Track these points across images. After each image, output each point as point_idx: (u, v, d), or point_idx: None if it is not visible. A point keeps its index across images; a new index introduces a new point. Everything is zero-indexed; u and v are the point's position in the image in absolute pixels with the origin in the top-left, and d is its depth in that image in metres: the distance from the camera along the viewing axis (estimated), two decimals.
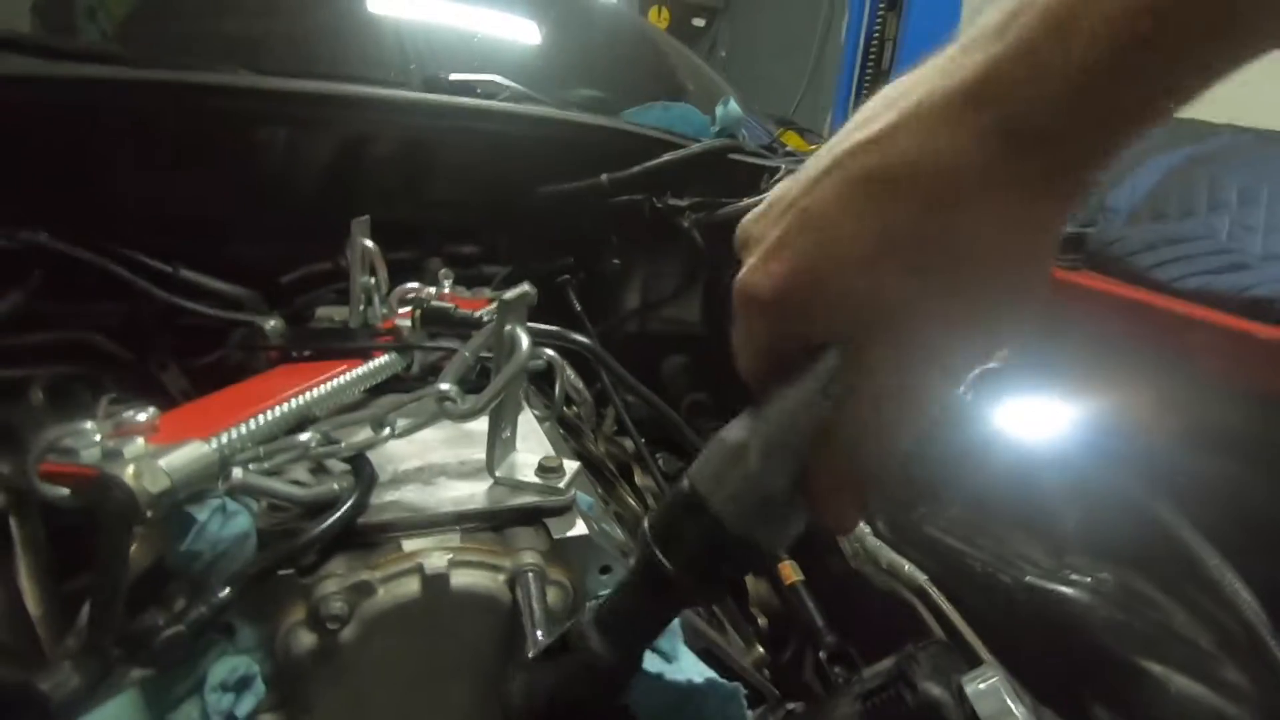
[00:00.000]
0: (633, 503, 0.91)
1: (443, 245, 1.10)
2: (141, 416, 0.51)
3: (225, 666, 0.42)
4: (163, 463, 0.44)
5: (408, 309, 0.87)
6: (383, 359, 0.67)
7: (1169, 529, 0.62)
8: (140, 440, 0.47)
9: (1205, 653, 0.56)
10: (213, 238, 1.01)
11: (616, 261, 1.09)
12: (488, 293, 0.96)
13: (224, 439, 0.49)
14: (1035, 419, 0.82)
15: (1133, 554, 0.66)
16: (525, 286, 0.53)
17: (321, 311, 0.92)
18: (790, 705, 0.66)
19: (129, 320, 0.99)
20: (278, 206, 1.04)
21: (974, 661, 0.61)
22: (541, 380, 0.76)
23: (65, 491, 0.47)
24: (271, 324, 0.73)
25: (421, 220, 1.08)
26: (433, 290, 0.92)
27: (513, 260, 1.11)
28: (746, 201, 1.03)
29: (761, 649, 0.69)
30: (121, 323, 0.98)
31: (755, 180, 1.09)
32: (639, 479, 1.04)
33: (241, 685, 0.43)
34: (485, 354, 0.56)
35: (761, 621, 0.82)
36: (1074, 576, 0.67)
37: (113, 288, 0.96)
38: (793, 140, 1.34)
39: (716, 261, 1.11)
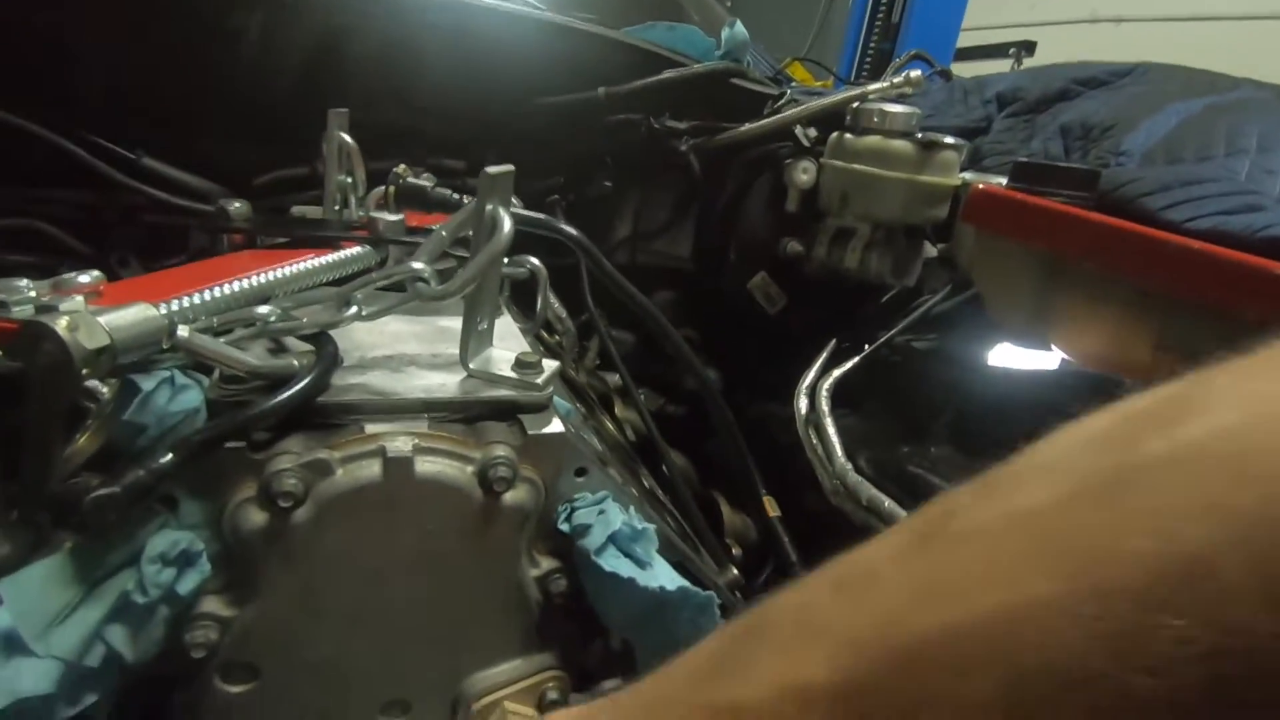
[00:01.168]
0: (612, 429, 0.88)
1: (426, 157, 1.05)
2: (84, 279, 0.47)
3: (165, 539, 0.39)
4: (102, 319, 0.40)
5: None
6: (354, 249, 0.63)
7: None
8: (79, 299, 0.43)
9: None
10: (180, 131, 0.95)
11: (608, 184, 1.04)
12: None
13: (174, 305, 0.45)
14: (1027, 359, 0.81)
15: None
16: (509, 166, 0.48)
17: (296, 211, 0.87)
18: None
19: (90, 213, 0.93)
20: (251, 102, 0.98)
21: None
22: (526, 308, 0.72)
23: None
24: (236, 205, 0.68)
25: (405, 128, 1.02)
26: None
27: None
28: (747, 127, 0.99)
29: (736, 571, 0.68)
30: (81, 215, 0.93)
31: (757, 108, 1.05)
32: (620, 412, 1.02)
33: (184, 561, 0.40)
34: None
35: (736, 551, 0.81)
36: None
37: (69, 173, 0.90)
38: (798, 72, 1.29)
39: (712, 190, 1.07)
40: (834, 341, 0.95)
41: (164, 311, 0.44)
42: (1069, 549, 0.19)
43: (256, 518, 0.41)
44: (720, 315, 1.14)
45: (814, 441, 0.86)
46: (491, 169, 0.46)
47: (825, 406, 0.86)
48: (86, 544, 0.38)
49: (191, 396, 0.44)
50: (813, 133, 0.98)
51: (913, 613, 0.21)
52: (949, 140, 0.88)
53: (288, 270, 0.55)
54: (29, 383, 0.39)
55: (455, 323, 0.61)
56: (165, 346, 0.41)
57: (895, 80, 0.93)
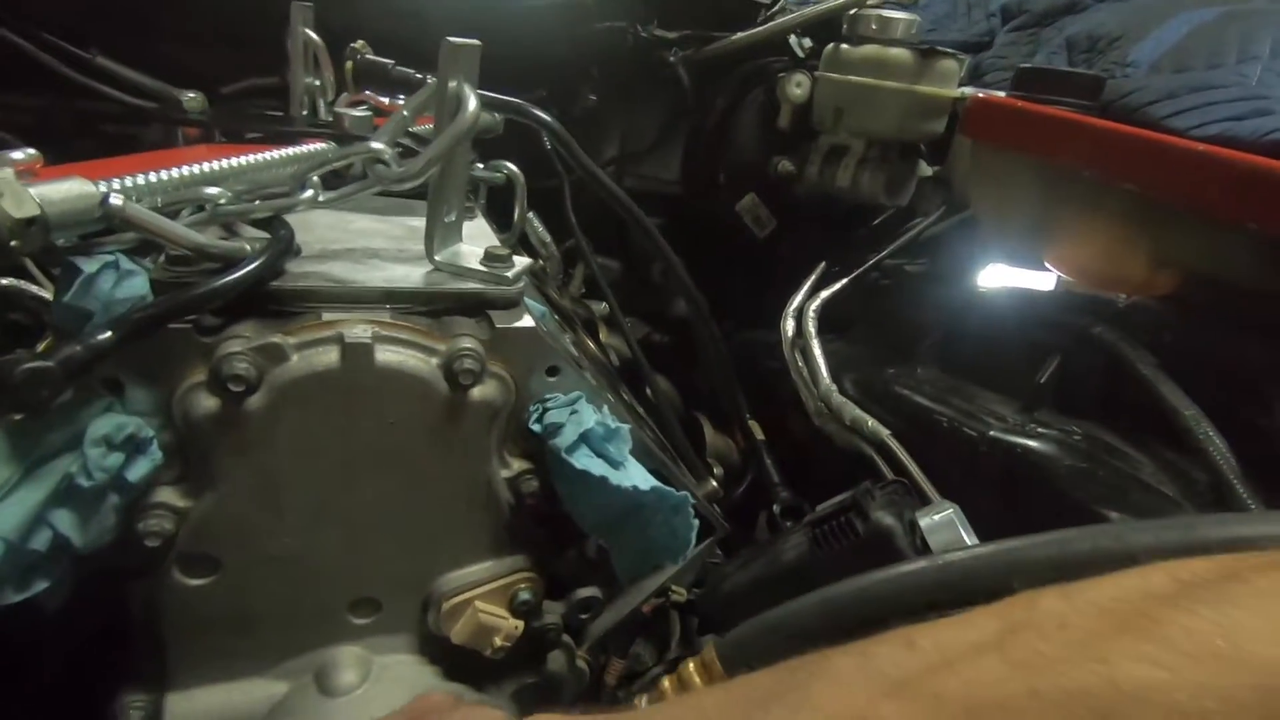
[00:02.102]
0: (595, 350, 0.87)
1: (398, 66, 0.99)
2: (17, 155, 0.44)
3: (109, 422, 0.37)
4: (33, 190, 0.37)
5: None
6: (315, 146, 0.60)
7: (1146, 380, 0.59)
8: (7, 170, 0.40)
9: (1169, 500, 0.55)
10: (138, 31, 0.90)
11: (593, 98, 1.00)
12: None
13: (114, 184, 0.42)
14: (1018, 280, 0.79)
15: (1106, 409, 0.64)
16: (475, 42, 0.45)
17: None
18: None
19: (41, 119, 0.88)
20: (219, 6, 0.92)
21: None
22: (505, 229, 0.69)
23: None
24: (190, 96, 0.63)
25: (380, 34, 0.96)
26: (385, 100, 0.83)
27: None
28: (739, 36, 0.94)
29: (715, 483, 0.67)
30: (32, 121, 0.88)
31: (750, 16, 0.99)
32: (605, 338, 1.00)
33: (132, 446, 0.38)
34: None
35: (717, 471, 0.80)
36: (1040, 430, 0.65)
37: (20, 77, 0.85)
38: None
39: (701, 108, 1.03)
40: (823, 264, 0.93)
41: (103, 189, 0.41)
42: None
43: (207, 403, 0.39)
44: (707, 240, 1.11)
45: (799, 364, 0.85)
46: (454, 39, 0.43)
47: (812, 329, 0.84)
48: (25, 423, 0.36)
49: (138, 283, 0.42)
50: (808, 43, 0.93)
51: (1004, 679, 0.22)
52: (949, 49, 0.84)
53: (241, 160, 0.52)
54: None
55: (414, 220, 0.58)
56: (97, 216, 0.38)
57: None
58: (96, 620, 0.44)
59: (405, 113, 0.46)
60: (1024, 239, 0.75)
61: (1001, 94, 0.76)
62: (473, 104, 0.44)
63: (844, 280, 0.88)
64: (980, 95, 0.76)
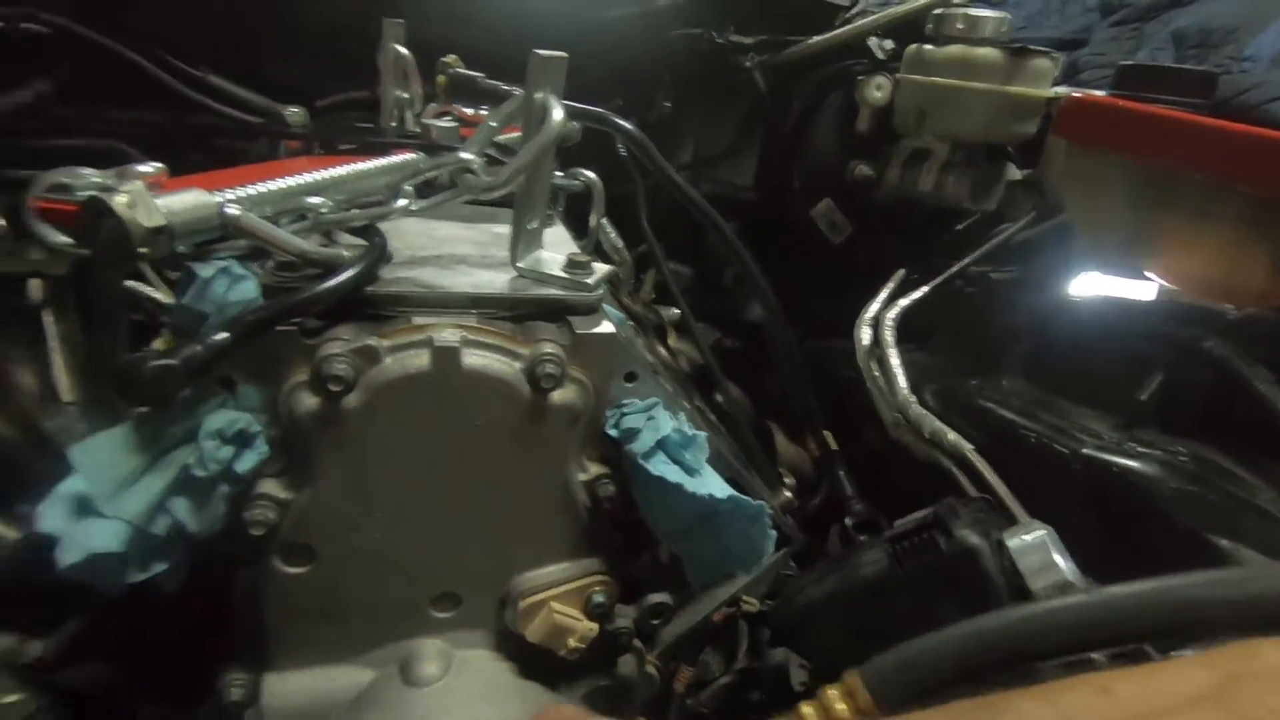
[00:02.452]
0: (665, 354, 0.87)
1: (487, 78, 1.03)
2: (145, 168, 0.47)
3: (222, 417, 0.40)
4: (159, 201, 0.40)
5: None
6: (407, 156, 0.62)
7: (1262, 398, 0.55)
8: (138, 182, 0.43)
9: None
10: (244, 51, 0.96)
11: (668, 105, 1.00)
12: None
13: (229, 194, 0.45)
14: (1115, 289, 0.74)
15: (1214, 429, 0.60)
16: (561, 54, 0.46)
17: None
18: None
19: (160, 134, 0.96)
20: (313, 21, 0.97)
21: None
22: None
23: (58, 235, 0.44)
24: (293, 111, 0.67)
25: (468, 50, 1.00)
26: (469, 111, 0.85)
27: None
28: (816, 40, 0.93)
29: (789, 493, 0.66)
30: (153, 135, 0.95)
31: (828, 18, 0.97)
32: (675, 344, 1.00)
33: (241, 440, 0.41)
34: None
35: (789, 481, 0.79)
36: (1141, 449, 0.61)
37: (141, 95, 0.92)
38: None
39: (777, 112, 1.02)
40: (902, 271, 0.90)
41: (220, 199, 0.44)
42: None
43: (309, 401, 0.41)
44: (780, 245, 1.10)
45: (875, 373, 0.83)
46: (542, 51, 0.44)
47: (890, 338, 0.82)
48: (150, 417, 0.39)
49: (248, 287, 0.45)
50: (889, 45, 0.91)
51: None
52: (1042, 48, 0.80)
53: (340, 171, 0.54)
54: (91, 260, 0.40)
55: (508, 229, 0.60)
56: (215, 225, 0.41)
57: None
58: (204, 602, 0.47)
59: (493, 123, 0.47)
60: (1123, 246, 0.71)
61: (1101, 93, 0.72)
62: (558, 114, 0.45)
63: (924, 288, 0.85)
64: (1077, 95, 0.72)
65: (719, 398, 0.86)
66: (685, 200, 0.64)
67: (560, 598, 0.50)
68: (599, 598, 0.51)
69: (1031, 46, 0.79)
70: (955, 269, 0.84)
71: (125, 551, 0.37)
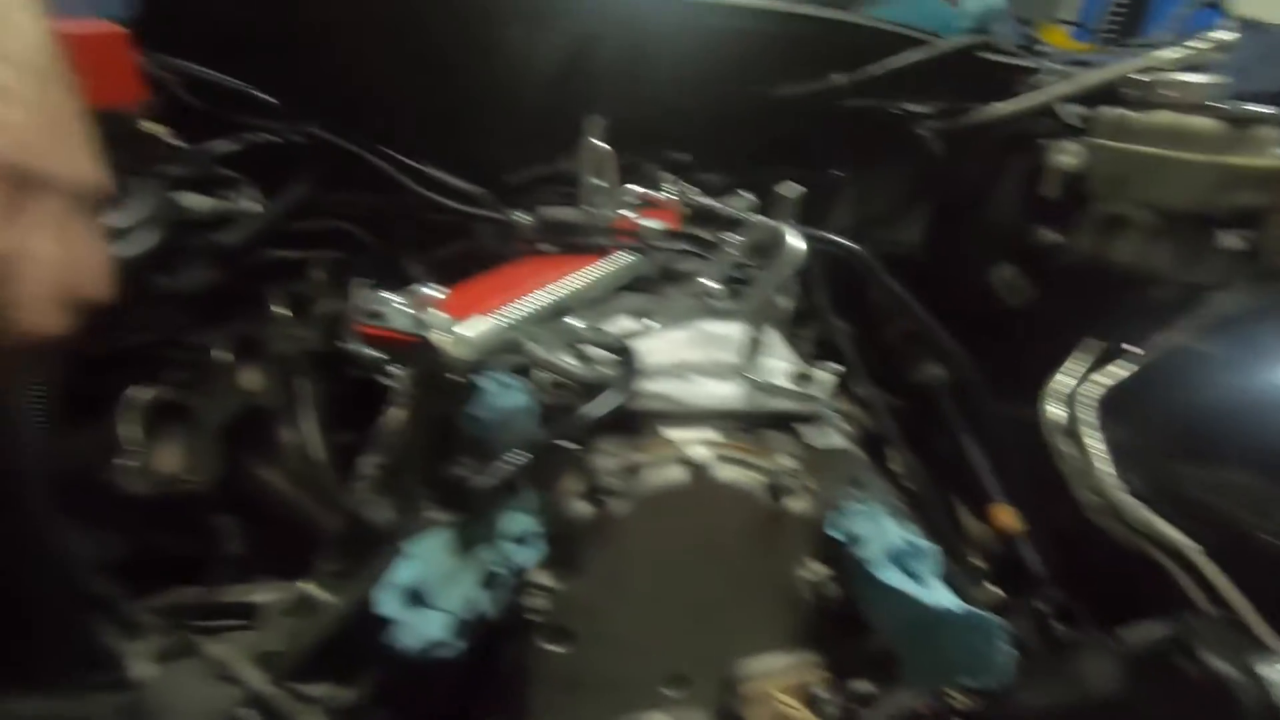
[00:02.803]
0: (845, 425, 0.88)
1: (660, 151, 1.09)
2: (432, 291, 0.56)
3: (516, 522, 0.47)
4: (466, 333, 0.48)
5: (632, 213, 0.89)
6: (633, 259, 0.69)
7: None
8: (442, 313, 0.52)
9: None
10: (450, 136, 1.08)
11: (841, 174, 1.02)
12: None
13: (507, 318, 0.53)
14: None
15: None
16: (797, 186, 0.50)
17: (547, 212, 0.96)
18: None
19: (375, 213, 1.09)
20: (506, 107, 1.08)
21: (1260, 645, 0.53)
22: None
23: (377, 353, 0.53)
24: (520, 215, 0.76)
25: (642, 123, 1.07)
26: (659, 195, 0.92)
27: (730, 168, 1.08)
28: (1001, 107, 0.92)
29: (997, 589, 0.66)
30: (369, 214, 1.09)
31: (1008, 83, 0.96)
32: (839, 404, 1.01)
33: (526, 540, 0.47)
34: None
35: (982, 567, 0.78)
36: None
37: (361, 181, 1.05)
38: (1055, 38, 1.15)
39: (950, 174, 1.01)
40: (1094, 342, 0.86)
41: (503, 324, 0.51)
42: None
43: (581, 508, 0.47)
44: (948, 307, 1.08)
45: (1067, 451, 0.80)
46: (784, 189, 0.48)
47: (1086, 414, 0.79)
48: (466, 521, 0.46)
49: (516, 395, 0.52)
50: (1079, 110, 0.88)
51: None
52: (1266, 111, 0.75)
53: (581, 281, 0.61)
54: (418, 386, 0.48)
55: (720, 327, 0.64)
56: (511, 359, 0.48)
57: (1194, 42, 0.80)
58: (476, 667, 0.54)
59: (734, 251, 0.52)
60: None
61: None
62: (800, 246, 0.48)
63: (1123, 361, 0.82)
64: None
65: (894, 466, 0.87)
66: (909, 312, 0.66)
67: (782, 687, 0.53)
68: (818, 690, 0.54)
69: (1255, 112, 0.75)
70: (1165, 342, 0.80)
71: (449, 638, 0.44)
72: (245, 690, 0.51)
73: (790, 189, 0.49)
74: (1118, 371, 0.81)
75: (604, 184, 0.84)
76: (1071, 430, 0.80)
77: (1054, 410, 0.83)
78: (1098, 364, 0.83)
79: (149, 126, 0.79)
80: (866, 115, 0.98)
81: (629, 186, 0.91)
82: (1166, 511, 0.69)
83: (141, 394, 0.57)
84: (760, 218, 0.50)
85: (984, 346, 1.05)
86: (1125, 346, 0.84)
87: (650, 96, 1.08)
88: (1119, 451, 0.75)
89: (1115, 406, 0.81)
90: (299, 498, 0.79)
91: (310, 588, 0.57)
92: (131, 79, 0.69)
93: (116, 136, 0.72)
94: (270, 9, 0.91)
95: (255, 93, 0.91)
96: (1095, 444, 0.77)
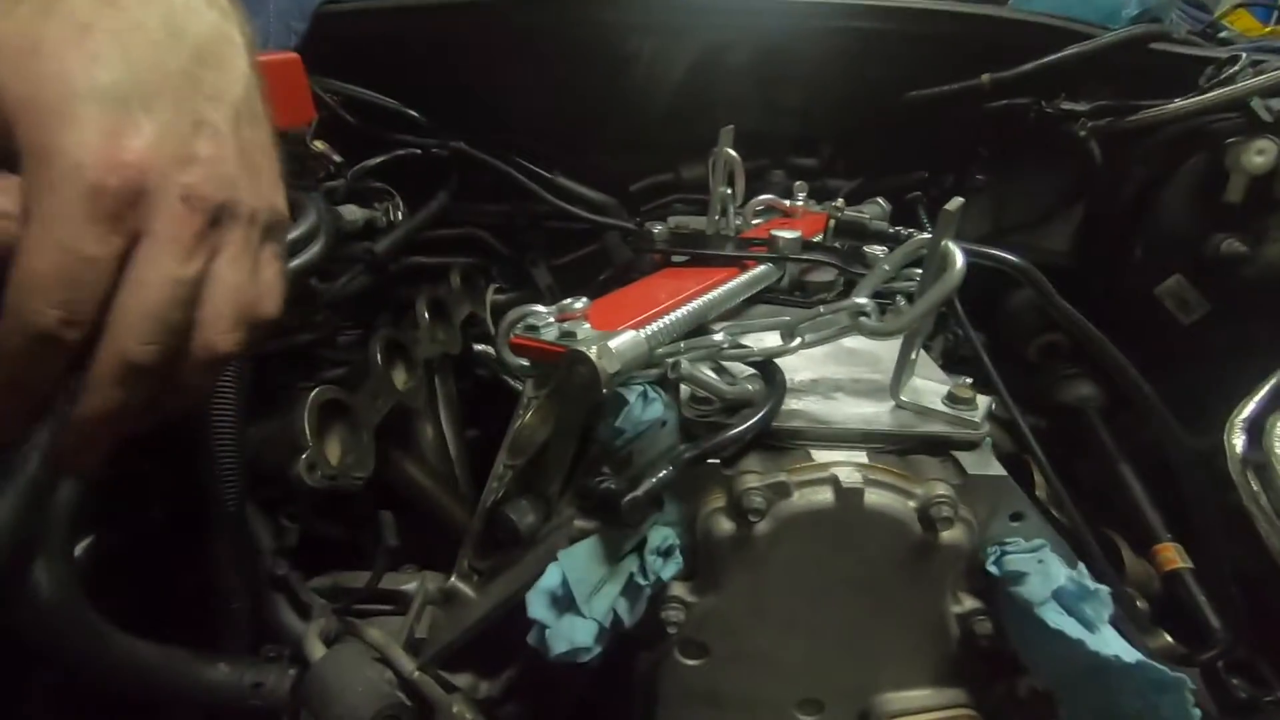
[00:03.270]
0: None
1: (786, 156, 1.07)
2: (578, 305, 0.57)
3: (659, 535, 0.47)
4: (613, 346, 0.49)
5: (759, 221, 0.88)
6: (762, 269, 0.68)
7: None
8: (589, 325, 0.53)
9: None
10: (579, 147, 1.11)
11: (981, 178, 0.96)
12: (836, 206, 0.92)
13: (649, 331, 0.53)
14: None
15: None
16: (960, 200, 0.47)
17: (675, 221, 0.96)
18: None
19: (505, 220, 1.14)
20: (633, 117, 1.09)
21: None
22: None
23: (526, 363, 0.55)
24: (659, 229, 0.77)
25: (767, 129, 1.06)
26: (786, 203, 0.90)
27: (860, 173, 1.04)
28: (1180, 104, 0.83)
29: (1170, 638, 0.59)
30: (500, 222, 1.14)
31: (1185, 78, 0.87)
32: None
33: (668, 553, 0.48)
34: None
35: (1140, 604, 0.71)
36: None
37: (494, 191, 1.10)
38: (1242, 21, 1.03)
39: (1111, 179, 0.93)
40: None
41: (646, 337, 0.52)
42: None
43: (724, 526, 0.47)
44: (1105, 321, 0.99)
45: (1254, 488, 0.71)
46: (949, 205, 0.46)
47: (1279, 448, 0.70)
48: (612, 532, 0.47)
49: (657, 408, 0.52)
50: (1276, 104, 0.79)
51: None
52: None
53: (717, 294, 0.61)
54: (564, 396, 0.50)
55: (861, 343, 0.62)
56: (657, 374, 0.48)
57: None
58: (610, 671, 0.55)
59: (887, 267, 0.50)
60: None
61: None
62: (960, 263, 0.46)
63: None
64: None
65: (1044, 494, 0.81)
66: (1081, 334, 0.62)
67: None
68: None
69: None
70: None
71: (591, 645, 0.45)
72: (399, 674, 0.55)
73: (953, 204, 0.46)
74: None
75: (732, 192, 0.84)
76: (1262, 465, 0.71)
77: (1240, 442, 0.74)
78: None
79: (317, 146, 0.86)
80: (1012, 116, 0.91)
81: (763, 197, 0.90)
82: None
83: (316, 394, 0.62)
84: (919, 233, 0.48)
85: (1148, 366, 0.96)
86: None
87: (778, 104, 1.06)
88: None
89: None
90: (435, 491, 0.84)
91: (457, 582, 0.60)
92: (306, 102, 0.75)
93: (292, 156, 0.80)
94: (417, 30, 0.97)
95: (406, 110, 0.97)
96: None
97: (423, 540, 0.75)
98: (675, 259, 0.76)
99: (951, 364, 1.03)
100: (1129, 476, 0.85)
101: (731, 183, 0.84)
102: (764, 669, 0.52)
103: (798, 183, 0.90)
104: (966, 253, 0.47)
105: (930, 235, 0.47)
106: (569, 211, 0.99)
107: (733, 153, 0.83)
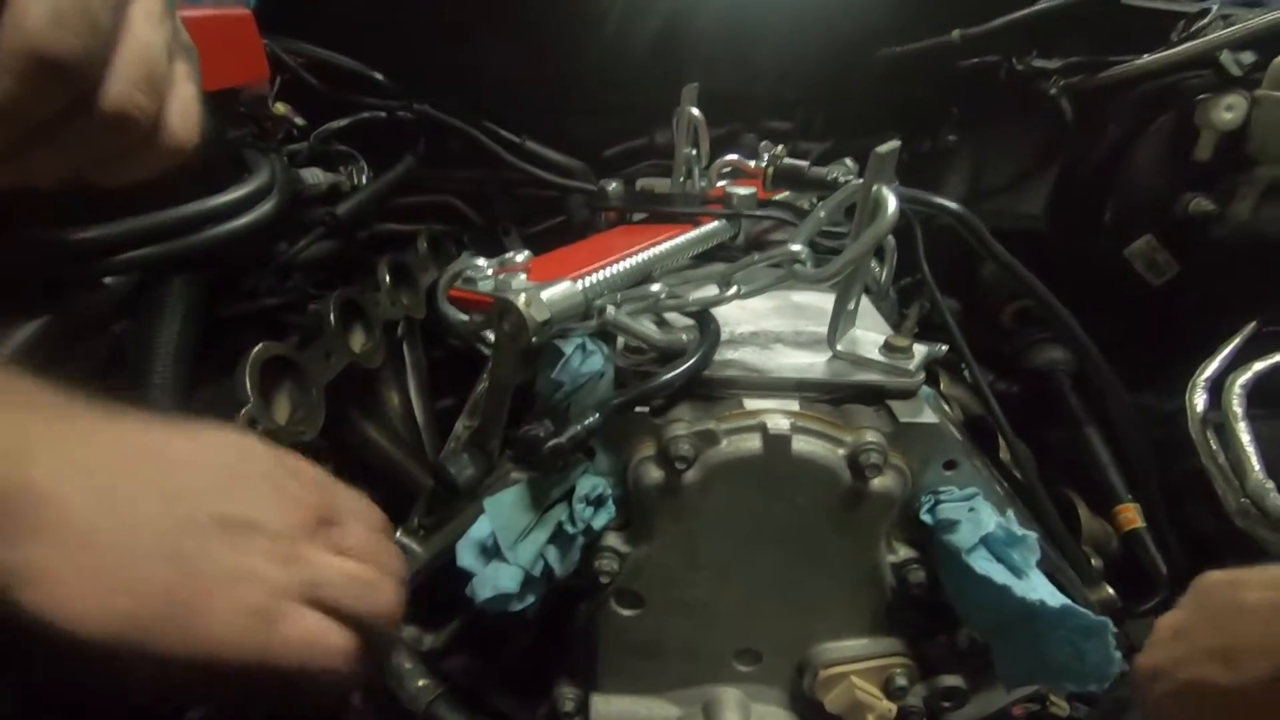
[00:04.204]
0: (944, 406, 0.83)
1: (759, 120, 1.06)
2: (519, 258, 0.57)
3: (588, 483, 0.47)
4: (544, 296, 0.48)
5: (726, 183, 0.86)
6: (714, 225, 0.67)
7: None
8: (523, 276, 0.52)
9: None
10: (551, 112, 1.09)
11: (953, 138, 0.95)
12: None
13: (587, 282, 0.53)
14: None
15: None
16: (895, 143, 0.46)
17: (642, 183, 0.95)
18: None
19: (478, 188, 1.13)
20: (605, 81, 1.07)
21: None
22: None
23: (465, 316, 0.55)
24: (613, 186, 0.76)
25: (740, 93, 1.04)
26: (751, 164, 0.89)
27: (831, 135, 1.03)
28: (1149, 59, 0.81)
29: (1112, 590, 0.59)
30: (473, 190, 1.13)
31: (1159, 32, 0.85)
32: (945, 388, 0.95)
33: (599, 502, 0.48)
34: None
35: (1095, 563, 0.71)
36: None
37: (466, 158, 1.09)
38: None
39: (1084, 138, 0.91)
40: (1253, 325, 0.76)
41: (582, 288, 0.51)
42: None
43: (654, 474, 0.47)
44: (1075, 283, 0.98)
45: (1213, 447, 0.71)
46: (880, 149, 0.45)
47: (1238, 406, 0.70)
48: (537, 480, 0.47)
49: (597, 360, 0.52)
50: (1247, 58, 0.77)
51: None
52: None
53: (663, 248, 0.60)
54: (497, 347, 0.49)
55: (807, 297, 0.62)
56: (592, 324, 0.48)
57: None
58: (550, 623, 0.55)
59: (822, 214, 0.49)
60: None
61: None
62: (892, 208, 0.45)
63: None
64: None
65: (1009, 456, 0.80)
66: (1023, 285, 0.61)
67: (861, 673, 0.51)
68: (900, 679, 0.51)
69: None
70: None
71: (518, 590, 0.45)
72: None
73: (886, 146, 0.45)
74: (1276, 359, 0.70)
75: (696, 153, 0.83)
76: (1220, 424, 0.71)
77: (1201, 401, 0.74)
78: (1250, 349, 0.73)
79: (279, 108, 0.85)
80: (984, 74, 0.90)
81: (728, 157, 0.89)
82: None
83: (259, 349, 0.61)
84: (851, 178, 0.47)
85: (1117, 328, 0.95)
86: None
87: (751, 65, 1.05)
88: (1266, 445, 0.65)
89: (1270, 398, 0.71)
90: (399, 456, 0.84)
91: (401, 537, 0.60)
92: (259, 59, 0.74)
93: (252, 118, 0.79)
94: None
95: (370, 72, 0.96)
96: (1247, 441, 0.68)
97: (390, 506, 0.76)
98: (635, 217, 0.75)
99: (927, 331, 1.03)
100: (1094, 438, 0.85)
101: (696, 143, 0.83)
102: (700, 619, 0.52)
103: (763, 143, 0.88)
104: (899, 197, 0.46)
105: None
106: (536, 176, 0.98)
107: (696, 111, 0.82)
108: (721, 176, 0.88)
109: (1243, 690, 0.30)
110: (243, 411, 0.57)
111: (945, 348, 0.93)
